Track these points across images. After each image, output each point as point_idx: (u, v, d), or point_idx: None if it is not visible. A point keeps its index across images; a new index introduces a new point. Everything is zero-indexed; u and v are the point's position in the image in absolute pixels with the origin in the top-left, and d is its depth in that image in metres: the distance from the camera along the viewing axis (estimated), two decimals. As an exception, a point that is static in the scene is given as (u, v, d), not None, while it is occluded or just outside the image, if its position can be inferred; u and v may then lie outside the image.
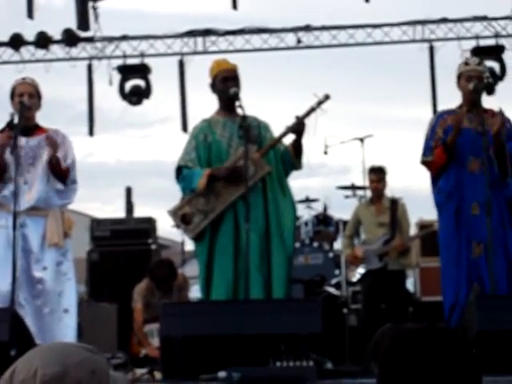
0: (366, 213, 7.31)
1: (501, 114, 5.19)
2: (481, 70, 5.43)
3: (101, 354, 1.70)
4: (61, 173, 5.34)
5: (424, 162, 5.35)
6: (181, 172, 5.38)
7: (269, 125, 5.53)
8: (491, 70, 8.70)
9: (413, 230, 7.61)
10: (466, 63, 5.38)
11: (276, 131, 5.49)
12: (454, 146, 5.21)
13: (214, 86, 5.44)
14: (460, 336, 1.66)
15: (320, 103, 5.26)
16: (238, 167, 5.24)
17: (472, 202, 5.18)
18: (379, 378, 1.64)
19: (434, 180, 5.36)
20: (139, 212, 10.23)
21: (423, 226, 7.65)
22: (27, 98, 5.34)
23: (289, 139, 5.42)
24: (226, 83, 5.34)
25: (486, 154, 5.07)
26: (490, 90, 8.25)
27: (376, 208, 7.25)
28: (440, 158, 5.24)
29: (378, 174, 7.24)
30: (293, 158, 5.37)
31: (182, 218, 5.38)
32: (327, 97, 5.30)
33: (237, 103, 5.30)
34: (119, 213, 10.21)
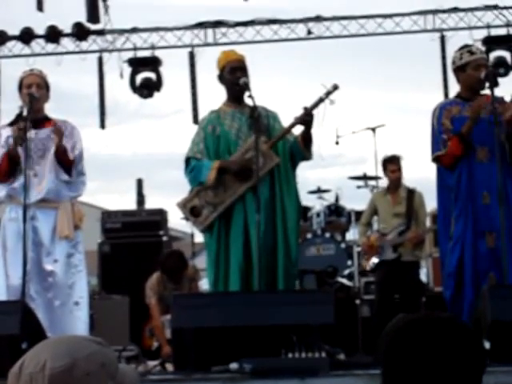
0: (382, 202, 7.26)
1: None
2: (486, 58, 5.37)
3: (110, 347, 1.69)
4: (67, 163, 5.32)
5: (436, 158, 5.25)
6: (189, 163, 5.36)
7: (278, 115, 5.50)
8: (502, 60, 8.65)
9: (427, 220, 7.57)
10: (471, 52, 5.27)
11: (286, 122, 5.46)
12: (469, 135, 5.13)
13: (222, 77, 5.41)
14: (465, 325, 1.67)
15: (328, 93, 5.21)
16: (248, 163, 5.22)
17: (482, 191, 5.13)
18: (384, 368, 1.64)
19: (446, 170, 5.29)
20: (153, 204, 10.23)
21: (436, 215, 7.60)
22: (35, 88, 5.32)
23: (298, 130, 5.39)
24: (234, 74, 5.32)
25: (498, 142, 5.01)
26: (495, 82, 8.18)
27: (392, 198, 7.21)
28: (456, 149, 5.13)
29: (396, 164, 7.20)
30: (302, 149, 5.34)
31: (191, 211, 5.37)
32: (336, 87, 5.25)
33: (247, 93, 5.27)
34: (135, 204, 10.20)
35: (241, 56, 5.47)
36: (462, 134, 5.13)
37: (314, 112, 5.19)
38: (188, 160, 5.37)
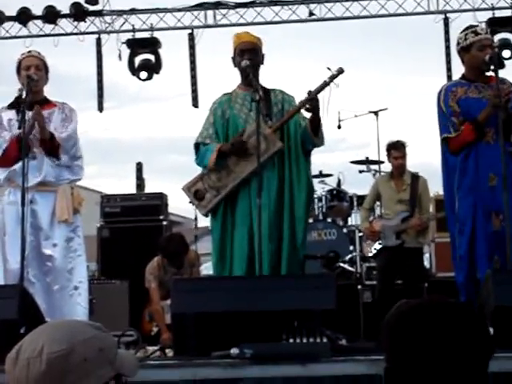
0: (386, 188, 7.19)
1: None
2: (491, 38, 5.29)
3: (109, 332, 1.70)
4: (52, 148, 5.23)
5: (446, 139, 5.18)
6: (198, 149, 5.34)
7: (294, 99, 5.38)
8: (507, 42, 8.56)
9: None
10: (476, 32, 5.19)
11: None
12: (486, 123, 5.05)
13: (235, 60, 5.34)
14: (471, 310, 1.65)
15: (333, 77, 5.12)
16: (239, 139, 5.16)
17: (489, 173, 5.07)
18: (388, 354, 1.63)
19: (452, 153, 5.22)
20: (152, 188, 10.14)
21: (440, 200, 7.54)
22: (34, 70, 5.25)
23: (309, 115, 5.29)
24: (243, 56, 5.25)
25: (502, 125, 4.94)
26: (501, 63, 8.09)
27: (396, 183, 7.13)
28: (468, 136, 5.07)
29: (401, 150, 7.12)
30: (311, 135, 5.24)
31: (194, 194, 5.33)
32: (341, 71, 5.15)
33: (250, 76, 5.19)
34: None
35: (253, 38, 5.37)
36: (478, 121, 5.06)
37: (319, 96, 5.10)
38: (198, 145, 5.33)
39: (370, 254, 7.54)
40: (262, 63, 5.34)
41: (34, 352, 1.58)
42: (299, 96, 5.24)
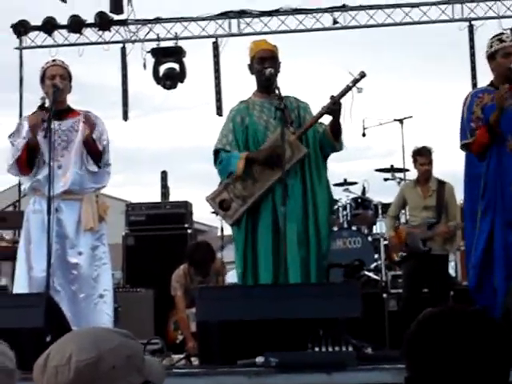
0: (411, 194, 7.13)
1: None
2: None
3: (136, 339, 1.68)
4: (97, 153, 5.29)
5: (464, 145, 5.18)
6: (218, 155, 5.31)
7: (309, 106, 5.41)
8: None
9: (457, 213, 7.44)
10: (501, 40, 5.19)
11: (314, 113, 5.36)
12: (498, 125, 5.05)
13: (252, 67, 5.36)
14: (491, 319, 1.64)
15: (356, 82, 5.11)
16: (277, 150, 5.14)
17: (511, 181, 5.03)
18: (408, 361, 1.64)
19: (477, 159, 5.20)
20: (177, 196, 10.19)
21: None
22: (59, 79, 5.28)
23: (327, 120, 5.29)
24: (262, 64, 5.26)
25: None
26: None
27: (422, 190, 7.07)
28: (483, 138, 5.08)
29: (427, 157, 7.05)
30: (331, 140, 5.25)
31: (220, 205, 5.30)
32: (363, 75, 5.14)
33: (274, 84, 5.20)
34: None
35: (271, 46, 5.40)
36: (490, 123, 5.05)
37: (342, 101, 5.10)
38: (217, 152, 5.32)
39: (397, 260, 7.46)
40: (279, 71, 5.36)
41: (62, 360, 1.57)
42: (318, 102, 5.26)
